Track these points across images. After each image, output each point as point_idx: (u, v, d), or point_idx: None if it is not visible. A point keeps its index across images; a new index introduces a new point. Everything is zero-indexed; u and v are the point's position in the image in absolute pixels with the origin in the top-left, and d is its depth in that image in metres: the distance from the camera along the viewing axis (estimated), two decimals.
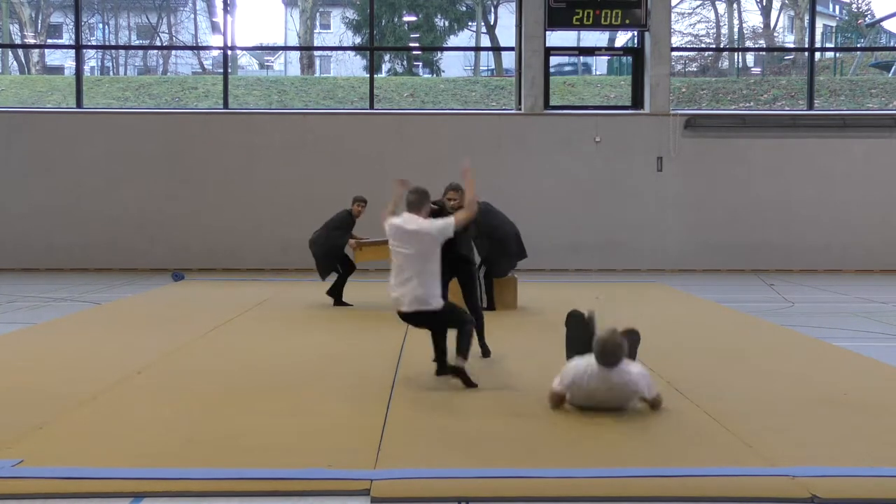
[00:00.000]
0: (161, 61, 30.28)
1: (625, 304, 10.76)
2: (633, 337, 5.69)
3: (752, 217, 16.80)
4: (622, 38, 23.26)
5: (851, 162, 16.86)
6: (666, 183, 16.83)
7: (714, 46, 32.13)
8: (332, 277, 11.19)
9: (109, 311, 10.87)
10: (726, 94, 23.74)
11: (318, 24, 33.61)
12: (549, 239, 15.28)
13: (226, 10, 19.03)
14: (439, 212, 7.18)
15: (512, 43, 17.77)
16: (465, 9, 29.60)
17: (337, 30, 31.79)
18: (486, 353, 7.24)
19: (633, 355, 5.57)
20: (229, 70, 18.60)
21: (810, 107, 17.93)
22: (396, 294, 6.15)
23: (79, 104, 17.58)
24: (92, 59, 27.23)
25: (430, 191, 6.55)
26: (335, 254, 11.07)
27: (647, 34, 16.88)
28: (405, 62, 28.42)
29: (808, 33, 19.06)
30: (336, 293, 11.14)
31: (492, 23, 28.97)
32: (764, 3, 30.58)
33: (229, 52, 20.01)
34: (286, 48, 32.81)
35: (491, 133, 16.71)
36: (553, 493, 4.07)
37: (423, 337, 5.50)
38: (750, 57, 30.66)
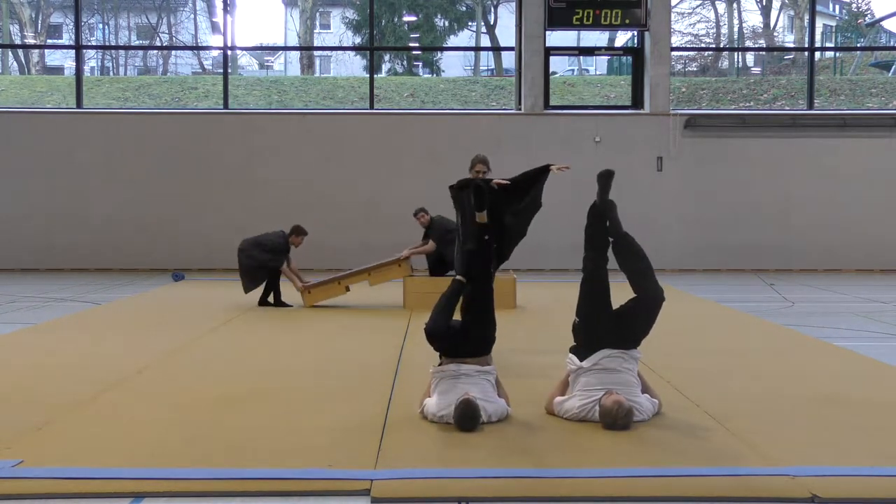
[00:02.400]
0: (161, 61, 30.29)
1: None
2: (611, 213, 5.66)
3: (752, 217, 16.80)
4: (622, 38, 23.28)
5: (851, 162, 16.86)
6: (666, 183, 16.84)
7: (714, 46, 32.14)
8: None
9: (109, 311, 10.88)
10: (726, 93, 23.74)
11: (318, 24, 33.61)
12: (548, 239, 15.27)
13: (226, 10, 19.04)
14: (465, 186, 7.01)
15: (512, 43, 17.78)
16: (465, 9, 29.60)
17: (337, 30, 31.81)
18: None
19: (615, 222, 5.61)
20: (229, 70, 18.60)
21: (810, 106, 17.94)
22: None
23: (79, 104, 17.59)
24: (92, 60, 27.23)
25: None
26: (264, 275, 11.04)
27: (647, 34, 16.89)
28: (405, 62, 28.43)
29: (808, 33, 19.07)
30: (277, 300, 11.15)
31: (492, 23, 28.98)
32: (764, 3, 30.57)
33: (229, 53, 20.02)
34: (286, 48, 32.82)
35: (491, 133, 16.71)
36: (553, 493, 4.07)
37: (423, 336, 5.50)
38: (750, 57, 30.67)
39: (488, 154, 8.28)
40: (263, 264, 10.98)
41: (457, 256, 7.22)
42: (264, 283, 11.15)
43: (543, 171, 7.12)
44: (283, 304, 11.15)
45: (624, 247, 5.58)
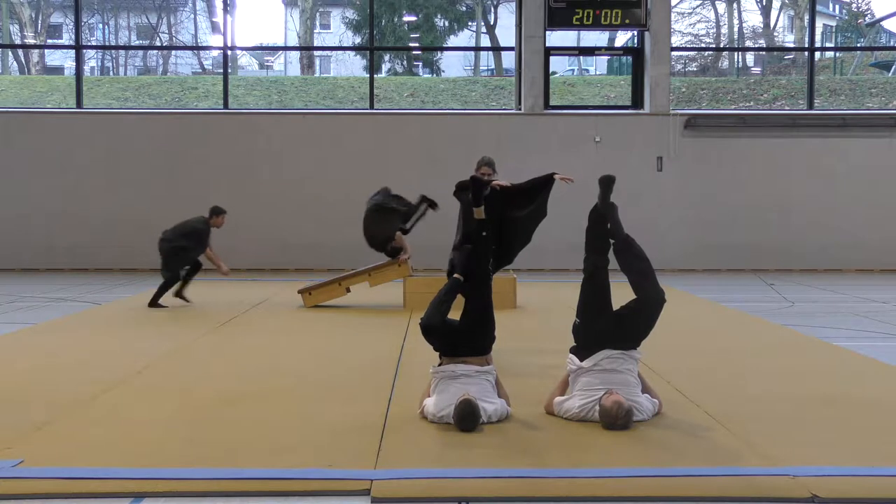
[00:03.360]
0: (161, 61, 30.29)
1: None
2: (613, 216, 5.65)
3: (752, 217, 16.80)
4: (622, 38, 23.27)
5: (851, 162, 16.86)
6: (666, 183, 16.83)
7: (714, 46, 32.13)
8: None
9: (109, 311, 10.88)
10: (726, 93, 23.74)
11: (318, 24, 33.61)
12: (548, 239, 15.24)
13: (226, 10, 19.04)
14: (464, 188, 6.94)
15: (512, 43, 17.77)
16: (465, 9, 29.60)
17: (337, 30, 31.81)
18: None
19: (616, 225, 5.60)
20: (229, 70, 18.60)
21: (810, 106, 17.93)
22: None
23: (79, 104, 17.58)
24: (92, 60, 27.23)
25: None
26: (185, 263, 11.04)
27: (647, 34, 16.89)
28: (405, 62, 28.43)
29: (808, 33, 19.07)
30: (180, 292, 11.10)
31: (492, 23, 28.98)
32: (764, 3, 30.58)
33: (229, 52, 20.02)
34: (286, 48, 32.82)
35: (491, 133, 16.71)
36: (553, 493, 4.07)
37: (423, 336, 5.52)
38: (750, 57, 30.67)
39: (488, 154, 8.26)
40: (189, 254, 10.98)
41: (456, 254, 7.21)
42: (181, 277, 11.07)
43: (548, 181, 7.14)
44: (184, 299, 11.09)
45: (625, 249, 5.58)
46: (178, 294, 11.17)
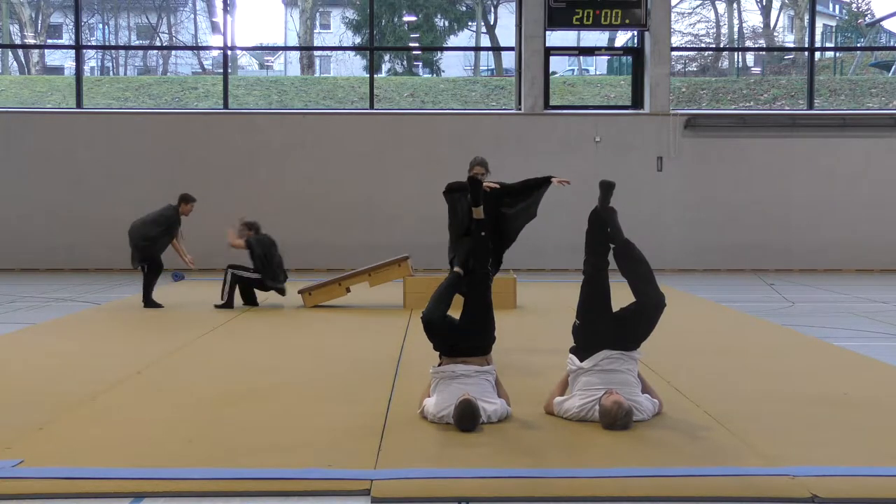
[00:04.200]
0: (161, 61, 30.29)
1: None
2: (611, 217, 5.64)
3: (752, 217, 16.80)
4: (622, 38, 23.28)
5: (851, 162, 16.86)
6: (666, 183, 16.83)
7: (714, 46, 32.14)
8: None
9: (109, 311, 10.88)
10: (726, 93, 23.74)
11: (318, 24, 33.61)
12: (548, 239, 15.28)
13: (226, 10, 19.04)
14: (462, 188, 6.95)
15: (512, 43, 17.78)
16: (465, 9, 29.60)
17: (337, 30, 31.81)
18: None
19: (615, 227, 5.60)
20: (229, 70, 18.60)
21: (810, 106, 17.94)
22: None
23: (79, 104, 17.59)
24: (92, 60, 27.24)
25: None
26: (150, 252, 10.87)
27: (647, 34, 16.89)
28: (405, 62, 28.43)
29: (808, 33, 19.07)
30: (146, 297, 10.92)
31: (492, 23, 28.98)
32: (764, 3, 30.58)
33: (229, 53, 20.02)
34: (286, 48, 32.82)
35: (491, 133, 16.71)
36: (553, 493, 4.07)
37: (423, 336, 5.52)
38: (750, 57, 30.67)
39: (488, 154, 8.25)
40: (158, 240, 10.90)
41: (456, 251, 7.23)
42: (148, 279, 10.94)
43: (545, 182, 7.14)
44: (154, 304, 10.94)
45: (625, 254, 5.57)
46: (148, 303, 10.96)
